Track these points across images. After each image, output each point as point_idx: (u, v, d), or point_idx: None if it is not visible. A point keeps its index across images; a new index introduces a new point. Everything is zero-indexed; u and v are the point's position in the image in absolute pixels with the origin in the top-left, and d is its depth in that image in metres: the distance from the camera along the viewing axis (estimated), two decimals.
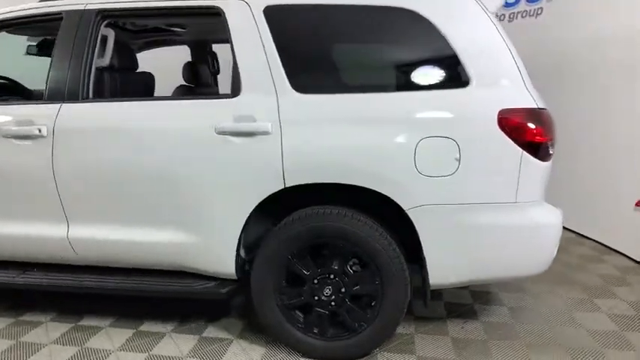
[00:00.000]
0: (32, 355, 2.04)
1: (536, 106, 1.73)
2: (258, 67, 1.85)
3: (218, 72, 3.49)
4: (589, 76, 3.35)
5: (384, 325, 1.91)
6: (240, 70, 1.86)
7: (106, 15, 2.02)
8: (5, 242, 2.12)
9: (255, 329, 2.23)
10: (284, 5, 1.88)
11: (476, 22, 1.79)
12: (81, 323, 2.32)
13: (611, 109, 3.18)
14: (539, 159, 1.72)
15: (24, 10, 2.10)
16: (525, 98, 1.74)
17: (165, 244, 1.98)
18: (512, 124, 1.70)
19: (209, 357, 2.03)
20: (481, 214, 1.75)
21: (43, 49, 2.86)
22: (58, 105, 1.97)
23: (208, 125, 1.83)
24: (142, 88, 2.46)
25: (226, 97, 1.88)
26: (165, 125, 1.89)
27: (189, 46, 3.28)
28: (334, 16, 1.86)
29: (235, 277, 2.01)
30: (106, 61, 2.04)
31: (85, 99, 1.98)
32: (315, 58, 1.89)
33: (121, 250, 2.03)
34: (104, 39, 2.04)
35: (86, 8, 2.03)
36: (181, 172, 1.87)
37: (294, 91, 1.82)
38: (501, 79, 1.75)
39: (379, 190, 1.76)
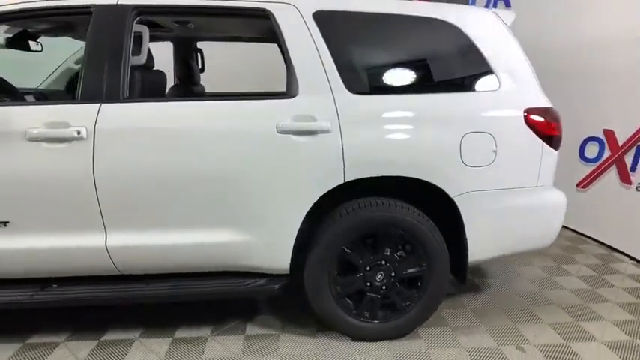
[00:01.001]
0: None
1: (550, 106, 2.08)
2: (314, 69, 1.94)
3: (203, 70, 3.44)
4: None
5: (429, 303, 2.13)
6: (297, 71, 1.93)
7: (142, 11, 1.93)
8: (29, 257, 1.91)
9: (296, 321, 2.30)
10: (333, 11, 1.99)
11: (499, 34, 2.09)
12: (105, 338, 2.17)
13: None
14: (554, 149, 2.08)
15: (45, 1, 1.91)
16: (542, 99, 2.08)
17: (218, 245, 1.96)
18: (535, 120, 2.02)
19: (264, 352, 2.06)
20: (511, 197, 2.06)
21: (20, 42, 2.58)
22: (96, 105, 1.84)
23: (270, 125, 1.87)
24: (161, 87, 2.36)
25: (284, 98, 1.94)
26: (223, 125, 1.88)
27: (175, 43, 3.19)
28: (379, 24, 2.03)
29: (287, 272, 2.07)
30: (142, 59, 1.94)
31: (127, 98, 1.88)
32: (364, 61, 2.03)
33: (165, 255, 1.96)
34: (139, 36, 1.95)
35: (119, 3, 1.92)
36: (241, 172, 1.88)
37: (348, 92, 1.94)
38: (522, 83, 2.07)
39: (430, 181, 1.97)
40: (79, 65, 2.87)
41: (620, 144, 3.21)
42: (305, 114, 1.90)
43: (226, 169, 1.87)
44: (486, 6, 4.31)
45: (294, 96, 1.93)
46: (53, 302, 2.00)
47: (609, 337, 2.18)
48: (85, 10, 1.92)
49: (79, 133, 1.80)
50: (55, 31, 2.57)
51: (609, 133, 3.30)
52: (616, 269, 2.97)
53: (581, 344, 2.13)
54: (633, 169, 3.09)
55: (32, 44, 2.64)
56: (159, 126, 1.86)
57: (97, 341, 2.15)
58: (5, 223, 1.86)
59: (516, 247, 2.20)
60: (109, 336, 2.19)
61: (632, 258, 3.15)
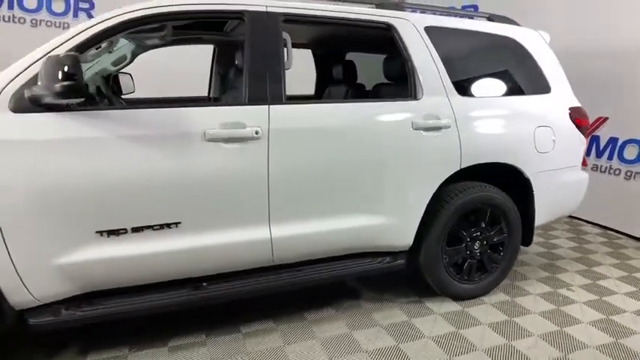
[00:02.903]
0: None
1: (580, 105, 2.77)
2: (433, 75, 2.32)
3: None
4: None
5: (507, 264, 2.66)
6: (420, 77, 2.29)
7: (288, 19, 2.09)
8: (197, 256, 1.94)
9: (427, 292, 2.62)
10: (439, 27, 2.40)
11: (545, 50, 2.72)
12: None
13: None
14: (585, 137, 2.77)
15: (196, 4, 1.95)
16: (575, 100, 2.76)
17: (363, 229, 2.22)
18: (575, 115, 2.69)
19: (459, 324, 2.35)
20: (562, 174, 2.70)
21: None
22: (264, 107, 1.96)
23: (407, 123, 2.21)
24: None
25: (412, 100, 2.28)
26: (371, 123, 2.15)
27: None
28: (471, 38, 2.50)
29: (408, 249, 2.41)
30: (290, 64, 2.11)
31: (288, 101, 2.03)
32: (462, 68, 2.47)
33: (319, 242, 2.16)
34: (285, 42, 2.10)
35: (269, 10, 2.06)
36: (385, 163, 2.18)
37: (457, 94, 2.37)
38: (563, 88, 2.73)
39: (516, 165, 2.50)
40: (116, 66, 2.80)
41: None
42: (431, 113, 2.27)
43: (374, 161, 2.15)
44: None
45: (419, 98, 2.28)
46: (208, 300, 2.04)
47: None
48: (238, 15, 2.02)
49: (256, 132, 1.91)
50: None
51: None
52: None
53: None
54: (588, 154, 4.06)
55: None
56: (318, 125, 2.06)
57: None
58: (177, 224, 1.88)
59: (560, 213, 2.86)
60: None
61: (588, 222, 4.13)
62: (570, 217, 4.25)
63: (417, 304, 2.54)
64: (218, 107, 1.94)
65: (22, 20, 4.43)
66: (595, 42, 3.86)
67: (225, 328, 2.24)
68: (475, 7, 5.12)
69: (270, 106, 1.98)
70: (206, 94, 3.48)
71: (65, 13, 4.67)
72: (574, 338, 2.21)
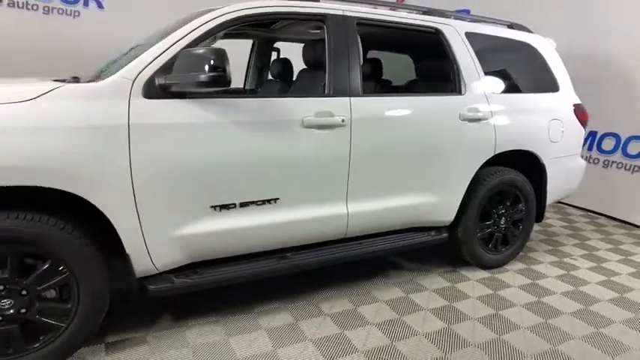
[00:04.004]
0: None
1: (581, 102, 3.26)
2: (474, 74, 2.70)
3: None
4: None
5: (524, 236, 3.11)
6: (464, 75, 2.66)
7: (360, 22, 2.38)
8: (289, 228, 2.20)
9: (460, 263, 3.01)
10: (474, 32, 2.79)
11: (553, 54, 3.18)
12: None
13: None
14: (584, 129, 3.27)
15: (278, 6, 2.19)
16: (577, 98, 3.24)
17: (418, 206, 2.57)
18: (578, 111, 3.17)
19: (495, 287, 2.73)
20: (567, 161, 3.18)
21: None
22: (346, 99, 2.25)
23: (455, 114, 2.57)
24: None
25: (458, 94, 2.64)
26: (430, 114, 2.49)
27: None
28: (497, 42, 2.90)
29: (449, 224, 2.78)
30: (361, 62, 2.40)
31: (364, 94, 2.32)
32: (492, 68, 2.86)
33: (385, 216, 2.48)
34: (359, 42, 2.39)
35: (345, 14, 2.34)
36: (439, 148, 2.53)
37: (492, 91, 2.76)
38: (567, 87, 3.20)
39: (534, 152, 2.93)
40: None
41: None
42: (473, 106, 2.65)
43: (430, 147, 2.50)
44: None
45: (463, 94, 2.65)
46: (293, 268, 2.29)
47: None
48: (320, 17, 2.28)
49: (343, 120, 2.20)
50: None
51: None
52: None
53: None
54: None
55: None
56: (388, 115, 2.38)
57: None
58: (276, 200, 2.13)
59: (564, 194, 3.35)
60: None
61: (571, 205, 4.71)
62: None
63: (454, 272, 2.92)
64: (312, 98, 2.20)
65: (35, 7, 4.38)
66: (570, 45, 4.40)
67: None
68: (467, 11, 5.60)
69: (351, 98, 2.27)
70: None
71: (76, 1, 4.65)
72: (589, 295, 2.68)
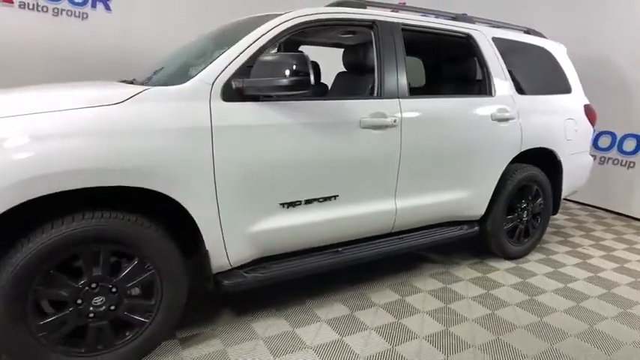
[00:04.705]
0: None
1: (589, 103, 3.51)
2: (502, 76, 2.89)
3: None
4: None
5: (543, 230, 3.33)
6: (493, 78, 2.85)
7: (404, 28, 2.52)
8: (346, 224, 2.31)
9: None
10: (500, 37, 2.98)
11: (566, 58, 3.42)
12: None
13: None
14: (593, 127, 3.52)
15: (329, 13, 2.30)
16: (585, 98, 3.49)
17: (455, 201, 2.73)
18: (588, 111, 3.42)
19: (523, 276, 2.91)
20: (579, 157, 3.42)
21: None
22: (396, 100, 2.38)
23: (488, 115, 2.75)
24: None
25: (488, 96, 2.82)
26: (468, 115, 2.67)
27: None
28: (518, 46, 3.11)
29: (479, 219, 2.96)
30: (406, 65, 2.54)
31: (412, 96, 2.47)
32: (518, 71, 3.06)
33: (427, 211, 2.64)
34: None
35: (392, 21, 2.47)
36: (475, 146, 2.70)
37: (516, 92, 2.96)
38: (577, 88, 3.44)
39: (553, 149, 3.15)
40: None
41: None
42: (503, 107, 2.84)
43: (467, 145, 2.67)
44: None
45: (494, 95, 2.84)
46: (345, 262, 2.41)
47: None
48: (370, 23, 2.41)
49: (394, 121, 2.33)
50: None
51: None
52: None
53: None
54: None
55: None
56: (432, 115, 2.53)
57: (400, 297, 2.61)
58: (335, 197, 2.24)
59: (575, 188, 3.59)
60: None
61: (566, 199, 4.99)
62: None
63: (481, 264, 3.10)
64: (365, 100, 2.33)
65: (44, 9, 4.32)
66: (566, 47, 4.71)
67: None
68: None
69: (400, 99, 2.40)
70: None
71: (84, 3, 4.61)
72: (609, 280, 2.91)
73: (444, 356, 2.01)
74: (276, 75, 1.83)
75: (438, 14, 2.91)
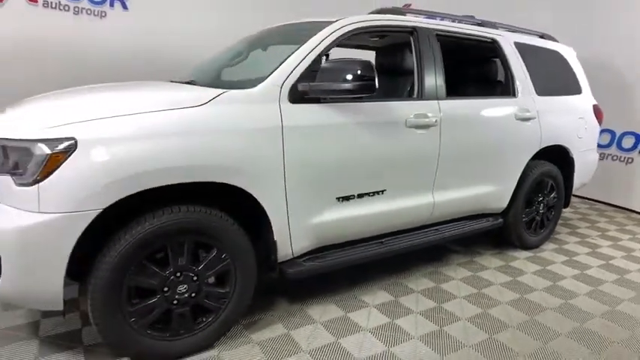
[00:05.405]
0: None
1: (597, 103, 3.76)
2: (524, 79, 3.10)
3: None
4: None
5: (556, 221, 3.57)
6: (517, 80, 3.06)
7: (438, 34, 2.71)
8: (392, 216, 2.49)
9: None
10: (520, 42, 3.20)
11: (576, 61, 3.66)
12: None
13: None
14: (599, 125, 3.78)
15: (377, 20, 2.47)
16: (593, 98, 3.74)
17: (483, 195, 2.94)
18: (596, 110, 3.67)
19: (542, 264, 3.14)
20: (588, 154, 3.68)
21: None
22: (436, 101, 2.56)
23: (511, 115, 2.96)
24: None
25: (512, 97, 3.03)
26: (493, 115, 2.87)
27: None
28: (535, 49, 3.33)
29: (501, 211, 3.18)
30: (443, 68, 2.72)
31: (448, 97, 2.65)
32: (536, 73, 3.27)
33: (459, 204, 2.83)
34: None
35: (429, 27, 2.65)
36: (502, 144, 2.92)
37: (536, 94, 3.18)
38: (586, 89, 3.69)
39: (567, 147, 3.39)
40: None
41: None
42: (525, 107, 3.05)
43: (495, 142, 2.88)
44: None
45: (517, 96, 3.05)
46: (388, 253, 2.58)
47: None
48: (411, 29, 2.59)
49: (435, 121, 2.51)
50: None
51: None
52: None
53: None
54: None
55: None
56: (467, 115, 2.73)
57: (434, 286, 2.79)
58: (383, 191, 2.41)
59: (583, 182, 3.84)
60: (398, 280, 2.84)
61: None
62: None
63: (501, 254, 3.32)
64: (410, 101, 2.50)
65: (66, 8, 4.37)
66: None
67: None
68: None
69: (439, 101, 2.59)
70: None
71: (103, 2, 4.66)
72: (620, 267, 3.17)
73: (486, 335, 2.21)
74: (342, 79, 1.99)
75: (463, 20, 3.10)
